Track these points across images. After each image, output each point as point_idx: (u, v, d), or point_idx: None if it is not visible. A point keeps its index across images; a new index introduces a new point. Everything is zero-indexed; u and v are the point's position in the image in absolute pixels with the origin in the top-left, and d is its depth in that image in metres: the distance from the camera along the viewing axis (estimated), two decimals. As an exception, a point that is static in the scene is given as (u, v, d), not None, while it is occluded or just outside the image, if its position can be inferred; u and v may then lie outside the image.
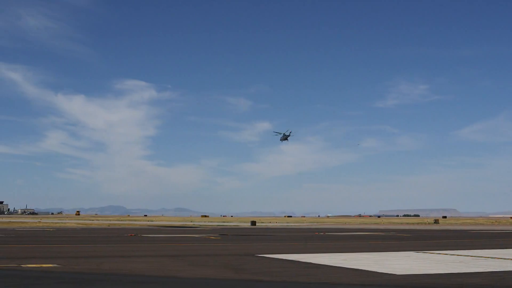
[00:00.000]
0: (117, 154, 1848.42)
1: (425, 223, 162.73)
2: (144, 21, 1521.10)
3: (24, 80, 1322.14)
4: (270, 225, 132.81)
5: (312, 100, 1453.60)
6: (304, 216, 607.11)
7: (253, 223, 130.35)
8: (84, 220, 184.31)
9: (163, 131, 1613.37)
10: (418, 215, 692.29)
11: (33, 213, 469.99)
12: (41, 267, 25.31)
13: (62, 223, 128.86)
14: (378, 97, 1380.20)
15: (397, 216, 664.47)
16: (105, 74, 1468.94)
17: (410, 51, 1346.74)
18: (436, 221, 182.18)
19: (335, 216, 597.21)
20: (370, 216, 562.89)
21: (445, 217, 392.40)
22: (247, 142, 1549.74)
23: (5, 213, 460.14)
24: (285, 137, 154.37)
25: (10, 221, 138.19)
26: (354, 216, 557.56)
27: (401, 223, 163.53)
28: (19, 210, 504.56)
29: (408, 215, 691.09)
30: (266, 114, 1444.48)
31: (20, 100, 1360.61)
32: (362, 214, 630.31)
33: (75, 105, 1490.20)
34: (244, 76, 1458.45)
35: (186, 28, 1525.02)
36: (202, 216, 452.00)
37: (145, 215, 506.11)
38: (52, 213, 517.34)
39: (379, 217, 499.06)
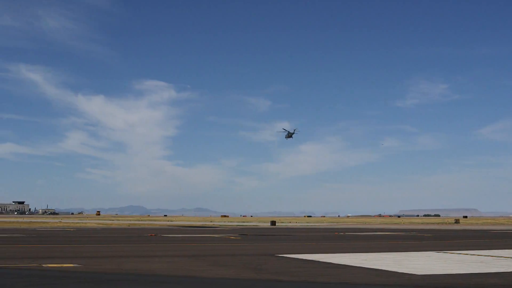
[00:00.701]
0: (137, 154, 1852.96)
1: (446, 223, 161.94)
2: (163, 21, 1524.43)
3: (44, 81, 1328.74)
4: (290, 225, 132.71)
5: (331, 100, 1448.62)
6: (324, 216, 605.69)
7: (273, 223, 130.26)
8: (105, 220, 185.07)
9: (183, 131, 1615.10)
10: (438, 215, 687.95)
11: (53, 213, 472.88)
12: (61, 267, 25.44)
13: (82, 223, 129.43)
14: (397, 97, 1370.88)
15: (418, 216, 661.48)
16: (125, 74, 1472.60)
17: (430, 50, 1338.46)
18: (457, 221, 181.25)
19: (355, 216, 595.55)
20: (390, 216, 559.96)
21: (465, 217, 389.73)
22: (267, 142, 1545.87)
23: (26, 213, 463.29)
24: (289, 135, 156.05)
25: (31, 221, 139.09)
26: (374, 216, 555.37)
27: (422, 223, 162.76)
28: (40, 210, 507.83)
29: (428, 215, 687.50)
30: (286, 114, 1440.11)
31: (40, 101, 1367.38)
32: (382, 214, 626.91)
33: (95, 106, 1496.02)
34: (263, 76, 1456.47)
35: (206, 28, 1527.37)
36: (222, 216, 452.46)
37: (165, 215, 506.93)
38: (72, 213, 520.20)
39: (399, 217, 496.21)
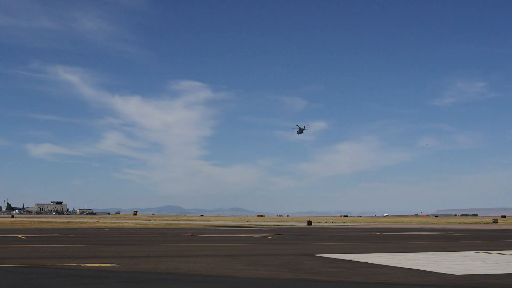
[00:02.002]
0: (173, 154, 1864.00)
1: (484, 223, 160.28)
2: (198, 22, 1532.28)
3: (82, 82, 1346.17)
4: (326, 224, 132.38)
5: (367, 99, 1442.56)
6: (361, 216, 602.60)
7: (309, 222, 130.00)
8: (141, 220, 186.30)
9: (219, 131, 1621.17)
10: (476, 215, 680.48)
11: (91, 213, 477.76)
12: (99, 266, 25.68)
13: (119, 223, 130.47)
14: (434, 95, 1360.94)
15: (455, 215, 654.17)
16: (161, 75, 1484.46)
17: (467, 48, 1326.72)
18: (495, 221, 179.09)
19: (391, 215, 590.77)
20: (428, 215, 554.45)
21: (504, 216, 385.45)
22: (302, 141, 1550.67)
23: (65, 213, 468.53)
24: (300, 131, 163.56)
25: (69, 221, 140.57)
26: (411, 216, 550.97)
27: (459, 223, 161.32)
28: (78, 210, 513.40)
29: (466, 215, 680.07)
30: (321, 114, 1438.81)
31: (77, 102, 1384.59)
32: (419, 213, 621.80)
33: (131, 106, 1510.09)
34: (299, 75, 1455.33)
35: (241, 28, 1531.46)
36: (258, 216, 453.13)
37: (202, 215, 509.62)
38: (109, 213, 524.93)
39: (436, 216, 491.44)
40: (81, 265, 26.18)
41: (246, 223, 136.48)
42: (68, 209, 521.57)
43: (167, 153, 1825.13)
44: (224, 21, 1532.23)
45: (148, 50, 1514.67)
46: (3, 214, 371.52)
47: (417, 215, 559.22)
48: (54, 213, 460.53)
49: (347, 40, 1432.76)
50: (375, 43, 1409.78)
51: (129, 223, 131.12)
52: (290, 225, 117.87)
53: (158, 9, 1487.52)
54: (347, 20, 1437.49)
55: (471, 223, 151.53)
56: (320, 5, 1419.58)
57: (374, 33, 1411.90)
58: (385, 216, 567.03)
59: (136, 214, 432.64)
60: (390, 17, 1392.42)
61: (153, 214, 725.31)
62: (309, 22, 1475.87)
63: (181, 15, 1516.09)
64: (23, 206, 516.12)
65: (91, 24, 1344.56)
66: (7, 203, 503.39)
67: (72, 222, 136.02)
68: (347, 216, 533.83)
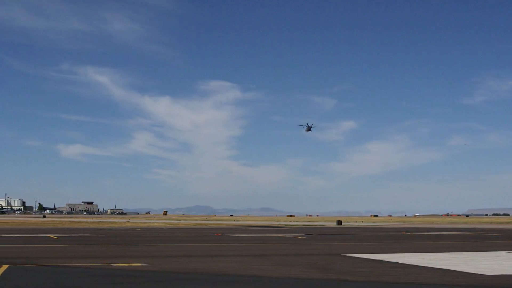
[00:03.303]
0: (203, 154, 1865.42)
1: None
2: (227, 21, 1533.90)
3: (112, 83, 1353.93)
4: (356, 224, 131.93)
5: (397, 98, 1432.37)
6: (391, 216, 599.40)
7: (339, 222, 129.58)
8: (171, 220, 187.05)
9: (248, 131, 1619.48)
10: (508, 214, 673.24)
11: (121, 213, 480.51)
12: (130, 266, 25.85)
13: (149, 223, 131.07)
14: (465, 94, 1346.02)
15: (486, 215, 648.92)
16: (190, 75, 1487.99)
17: (498, 46, 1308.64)
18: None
19: (422, 215, 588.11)
20: (458, 215, 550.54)
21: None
22: (332, 141, 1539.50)
23: (95, 213, 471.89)
24: (308, 128, 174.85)
25: (100, 221, 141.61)
26: (442, 215, 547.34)
27: (491, 222, 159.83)
28: (108, 210, 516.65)
29: (497, 214, 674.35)
30: (351, 113, 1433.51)
31: (107, 102, 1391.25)
32: (450, 213, 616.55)
33: (161, 107, 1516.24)
34: (329, 74, 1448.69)
35: (270, 27, 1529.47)
36: (288, 215, 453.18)
37: (231, 215, 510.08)
38: (138, 213, 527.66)
39: (467, 216, 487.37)
40: (112, 264, 26.37)
41: (276, 223, 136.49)
42: (98, 209, 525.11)
43: (197, 153, 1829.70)
44: (253, 20, 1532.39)
45: (177, 51, 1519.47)
46: (35, 214, 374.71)
47: (447, 215, 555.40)
48: (85, 213, 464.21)
49: (377, 39, 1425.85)
50: (405, 42, 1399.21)
51: (159, 223, 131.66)
52: (319, 225, 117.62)
53: (187, 9, 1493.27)
54: (377, 19, 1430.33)
55: (503, 223, 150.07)
56: (348, 5, 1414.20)
57: (404, 32, 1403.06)
58: (415, 215, 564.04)
59: (166, 214, 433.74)
60: (420, 16, 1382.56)
61: (183, 214, 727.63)
62: (339, 22, 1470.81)
63: (210, 15, 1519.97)
64: (54, 206, 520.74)
65: (120, 25, 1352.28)
66: (39, 203, 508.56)
67: (102, 222, 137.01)
68: (377, 216, 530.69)
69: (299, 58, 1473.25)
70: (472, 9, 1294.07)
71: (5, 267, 24.48)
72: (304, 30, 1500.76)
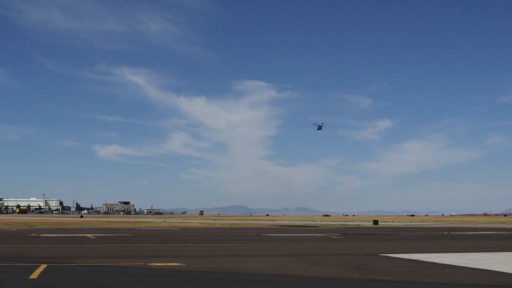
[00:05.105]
0: (238, 154, 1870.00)
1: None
2: (262, 21, 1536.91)
3: (147, 84, 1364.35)
4: (392, 224, 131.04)
5: (433, 97, 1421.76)
6: (428, 215, 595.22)
7: (375, 222, 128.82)
8: (208, 219, 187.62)
9: (283, 131, 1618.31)
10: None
11: (158, 213, 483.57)
12: (166, 265, 25.97)
13: (186, 222, 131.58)
14: (502, 92, 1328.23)
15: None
16: (225, 75, 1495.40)
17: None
18: None
19: (459, 215, 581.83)
20: (496, 215, 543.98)
21: None
22: (368, 140, 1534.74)
23: (132, 213, 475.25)
24: (319, 127, 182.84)
25: (136, 221, 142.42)
26: (479, 215, 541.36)
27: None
28: (145, 210, 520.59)
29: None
30: (387, 112, 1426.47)
31: (143, 103, 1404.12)
32: (488, 212, 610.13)
33: (196, 107, 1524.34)
34: (364, 73, 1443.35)
35: (305, 27, 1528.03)
36: (324, 215, 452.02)
37: (267, 215, 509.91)
38: (173, 213, 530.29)
39: (505, 215, 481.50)
40: (149, 264, 26.52)
41: (312, 223, 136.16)
42: (135, 209, 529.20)
43: (232, 153, 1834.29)
44: (287, 20, 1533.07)
45: (212, 51, 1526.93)
46: (73, 214, 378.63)
47: (485, 214, 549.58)
48: (121, 213, 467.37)
49: (412, 38, 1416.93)
50: (440, 40, 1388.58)
51: (195, 222, 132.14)
52: (356, 225, 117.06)
53: (222, 9, 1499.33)
54: (412, 19, 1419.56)
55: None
56: (382, 5, 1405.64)
57: (439, 31, 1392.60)
58: (452, 215, 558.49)
59: (202, 214, 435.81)
60: (456, 14, 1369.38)
61: (219, 213, 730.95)
62: (374, 21, 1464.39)
63: (245, 15, 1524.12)
64: (92, 206, 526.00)
65: (155, 26, 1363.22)
66: (76, 203, 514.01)
67: (139, 222, 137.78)
68: (413, 215, 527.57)
69: (334, 57, 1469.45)
70: (508, 6, 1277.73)
71: (43, 266, 24.76)
72: (340, 29, 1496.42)
